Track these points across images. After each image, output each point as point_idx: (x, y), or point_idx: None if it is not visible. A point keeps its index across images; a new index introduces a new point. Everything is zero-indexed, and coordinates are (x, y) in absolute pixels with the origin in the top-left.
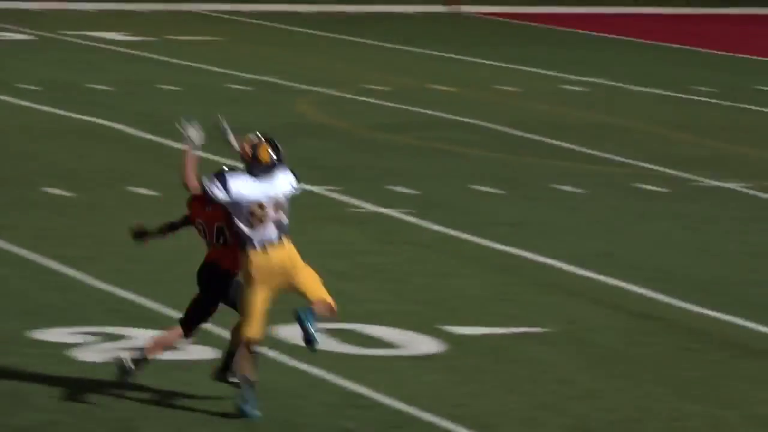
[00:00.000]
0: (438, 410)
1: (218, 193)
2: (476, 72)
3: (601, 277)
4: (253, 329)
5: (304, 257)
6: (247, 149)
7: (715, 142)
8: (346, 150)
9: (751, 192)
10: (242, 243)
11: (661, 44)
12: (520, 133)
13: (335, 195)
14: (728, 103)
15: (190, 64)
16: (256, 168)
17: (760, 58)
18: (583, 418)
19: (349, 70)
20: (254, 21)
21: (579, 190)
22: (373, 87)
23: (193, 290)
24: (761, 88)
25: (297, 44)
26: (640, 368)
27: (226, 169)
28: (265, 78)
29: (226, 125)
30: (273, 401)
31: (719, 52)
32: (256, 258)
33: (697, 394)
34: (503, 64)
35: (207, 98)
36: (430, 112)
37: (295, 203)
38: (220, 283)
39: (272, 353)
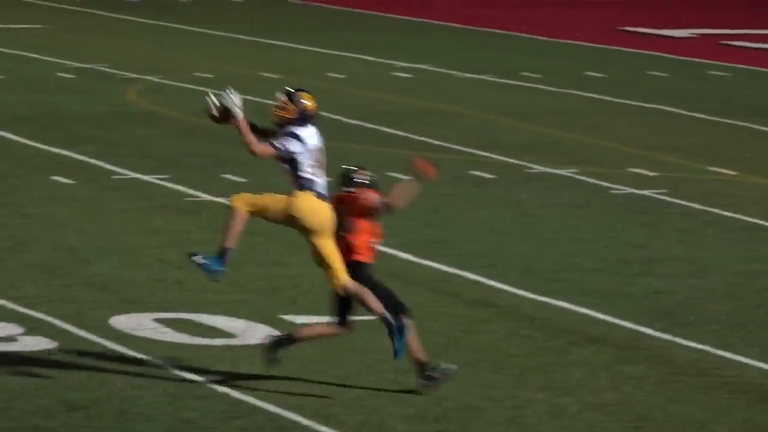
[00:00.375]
0: (278, 400)
1: (294, 145)
2: (306, 59)
3: (436, 265)
4: (343, 275)
5: (138, 247)
6: (289, 105)
7: (544, 128)
8: (176, 138)
9: (580, 177)
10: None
11: (488, 30)
12: (349, 120)
13: (167, 183)
14: (556, 89)
15: (16, 52)
16: (306, 119)
17: (585, 44)
18: (423, 406)
19: (179, 58)
20: (82, 9)
21: (410, 178)
22: (202, 75)
23: (30, 281)
24: (588, 73)
25: (125, 32)
26: (478, 356)
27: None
28: (93, 66)
29: (232, 96)
30: (112, 392)
31: (545, 38)
32: (325, 208)
33: (535, 382)
34: (332, 51)
35: (35, 86)
36: (260, 99)
37: (128, 192)
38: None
39: (107, 343)
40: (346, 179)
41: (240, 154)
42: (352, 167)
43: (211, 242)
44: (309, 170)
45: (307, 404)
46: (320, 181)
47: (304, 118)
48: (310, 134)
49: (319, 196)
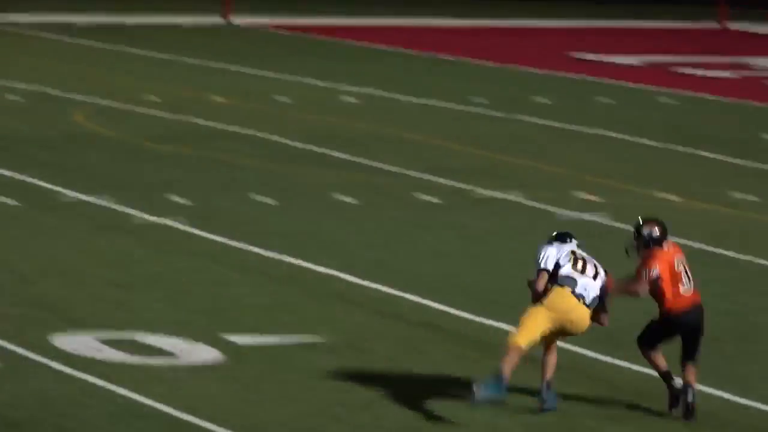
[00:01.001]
0: (218, 419)
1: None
2: (253, 83)
3: (379, 287)
4: (519, 336)
5: (81, 267)
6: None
7: (490, 153)
8: (122, 160)
9: (526, 202)
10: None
11: (436, 55)
12: (296, 144)
13: (112, 205)
14: (503, 114)
15: None
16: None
17: (532, 70)
18: (363, 427)
19: (126, 81)
20: (29, 33)
21: (355, 201)
22: (149, 98)
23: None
24: (535, 99)
25: (73, 55)
26: (420, 377)
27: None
28: (40, 88)
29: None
30: (52, 410)
31: (493, 64)
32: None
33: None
34: (279, 75)
35: None
36: (207, 123)
37: (72, 212)
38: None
39: (49, 362)
40: None
41: (185, 176)
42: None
43: (153, 263)
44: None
45: (246, 424)
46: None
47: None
48: None
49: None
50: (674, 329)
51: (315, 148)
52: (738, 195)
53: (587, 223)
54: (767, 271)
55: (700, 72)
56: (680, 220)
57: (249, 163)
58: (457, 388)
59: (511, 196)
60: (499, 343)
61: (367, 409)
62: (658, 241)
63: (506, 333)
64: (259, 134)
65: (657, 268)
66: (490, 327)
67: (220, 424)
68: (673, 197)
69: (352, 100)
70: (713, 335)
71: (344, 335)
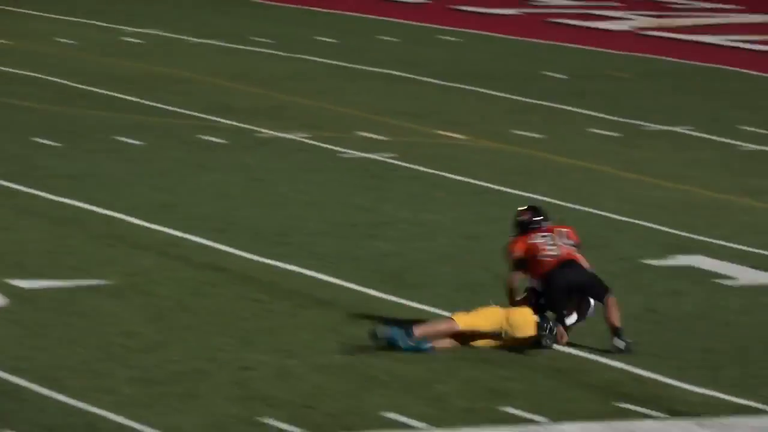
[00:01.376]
0: (5, 365)
1: None
2: (35, 24)
3: (164, 229)
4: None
5: None
6: None
7: (275, 92)
8: None
9: (310, 142)
10: None
11: None
12: (78, 86)
13: None
14: (286, 54)
15: None
16: None
17: (315, 9)
18: (150, 369)
19: None
20: None
21: (139, 142)
22: None
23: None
24: (318, 38)
25: None
26: (206, 319)
27: None
28: None
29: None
30: None
31: (275, 3)
32: None
33: (262, 344)
34: (62, 17)
35: None
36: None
37: None
38: None
39: None
40: None
41: None
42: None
43: None
44: None
45: (32, 368)
46: None
47: None
48: None
49: None
50: (555, 289)
51: (98, 90)
52: (521, 132)
53: (371, 161)
54: (552, 208)
55: (482, 9)
56: (467, 158)
57: (30, 105)
58: (244, 330)
59: (295, 136)
60: (288, 285)
61: (154, 351)
62: (525, 226)
63: (291, 273)
64: (39, 76)
65: (516, 253)
66: (277, 268)
67: (6, 370)
68: (458, 135)
69: (135, 40)
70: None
71: (129, 278)
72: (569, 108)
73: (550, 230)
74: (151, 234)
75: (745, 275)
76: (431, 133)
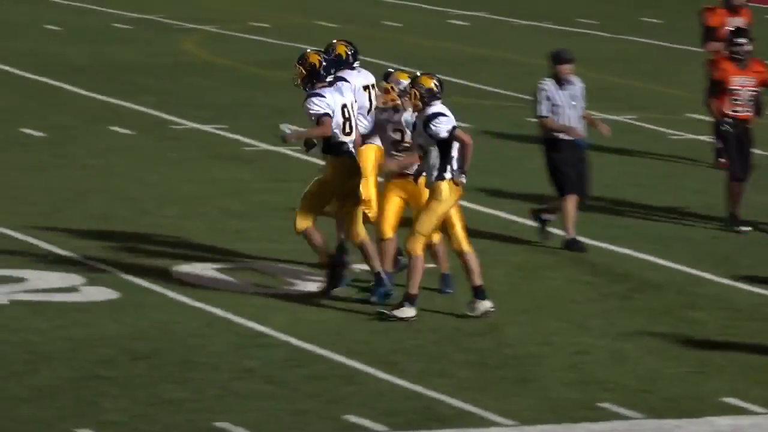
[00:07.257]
0: (340, 348)
1: None
2: (361, 8)
3: (497, 212)
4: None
5: (197, 197)
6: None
7: (604, 75)
8: (233, 87)
9: (638, 123)
10: None
11: None
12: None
13: (224, 133)
14: (611, 35)
15: (73, 3)
16: None
17: None
18: (484, 353)
19: (233, 8)
20: None
21: (466, 124)
22: (257, 24)
23: (86, 230)
24: (643, 19)
25: None
26: (539, 303)
27: None
28: (149, 17)
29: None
30: (173, 341)
31: None
32: None
33: (596, 328)
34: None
35: (92, 38)
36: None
37: (185, 141)
38: None
39: (169, 292)
40: None
41: (297, 103)
42: None
43: (269, 191)
44: None
45: (369, 352)
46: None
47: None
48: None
49: None
50: None
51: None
52: None
53: (701, 143)
54: None
55: None
56: None
57: None
58: (578, 313)
59: (623, 118)
60: (620, 268)
61: (488, 334)
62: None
63: (626, 257)
64: (367, 59)
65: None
66: (608, 250)
67: (340, 353)
68: None
69: (459, 23)
70: None
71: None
72: None
73: None
74: (485, 218)
75: None
76: None
